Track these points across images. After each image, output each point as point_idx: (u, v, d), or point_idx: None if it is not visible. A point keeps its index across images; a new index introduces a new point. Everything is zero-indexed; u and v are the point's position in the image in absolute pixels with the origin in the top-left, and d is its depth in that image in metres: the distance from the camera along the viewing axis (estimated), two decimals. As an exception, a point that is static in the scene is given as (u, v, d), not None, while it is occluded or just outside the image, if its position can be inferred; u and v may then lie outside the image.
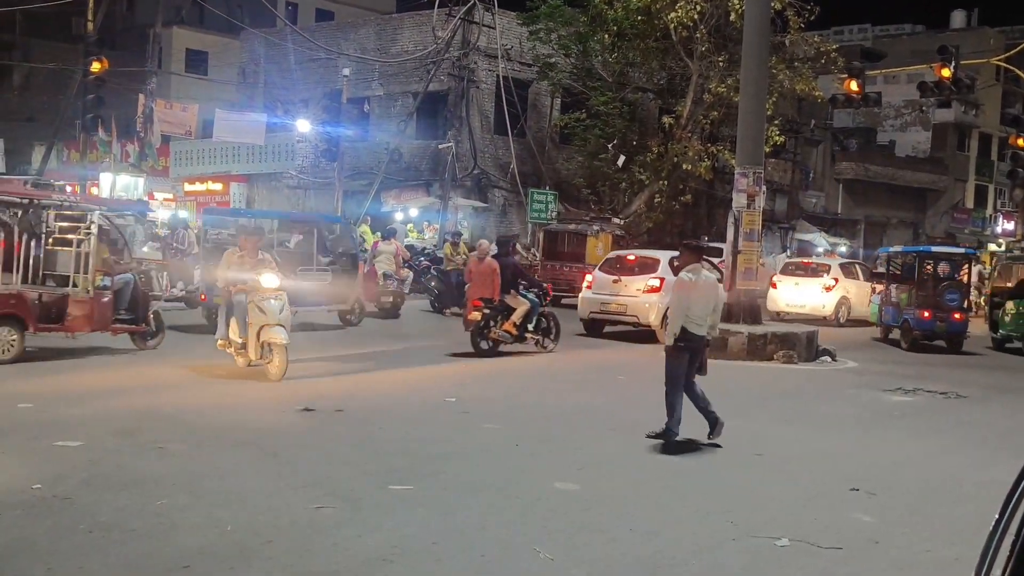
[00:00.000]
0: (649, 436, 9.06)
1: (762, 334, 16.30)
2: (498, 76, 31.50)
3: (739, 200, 17.01)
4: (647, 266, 18.76)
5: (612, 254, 21.05)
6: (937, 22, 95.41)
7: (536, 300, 15.42)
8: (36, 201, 12.88)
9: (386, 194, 32.37)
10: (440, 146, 31.49)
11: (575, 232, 27.30)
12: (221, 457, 7.73)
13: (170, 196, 36.77)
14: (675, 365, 9.10)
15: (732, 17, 26.65)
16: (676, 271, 9.93)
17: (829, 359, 16.58)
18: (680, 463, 8.31)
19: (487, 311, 14.80)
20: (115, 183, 29.37)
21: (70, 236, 12.94)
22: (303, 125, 31.82)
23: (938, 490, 7.92)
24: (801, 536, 6.22)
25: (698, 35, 28.55)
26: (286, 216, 24.16)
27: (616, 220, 29.49)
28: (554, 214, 30.31)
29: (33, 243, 12.82)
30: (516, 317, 14.98)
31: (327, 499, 6.57)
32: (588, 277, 19.84)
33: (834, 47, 30.74)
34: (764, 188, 17.56)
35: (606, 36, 30.11)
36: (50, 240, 13.11)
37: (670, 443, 8.89)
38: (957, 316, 18.96)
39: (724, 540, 6.16)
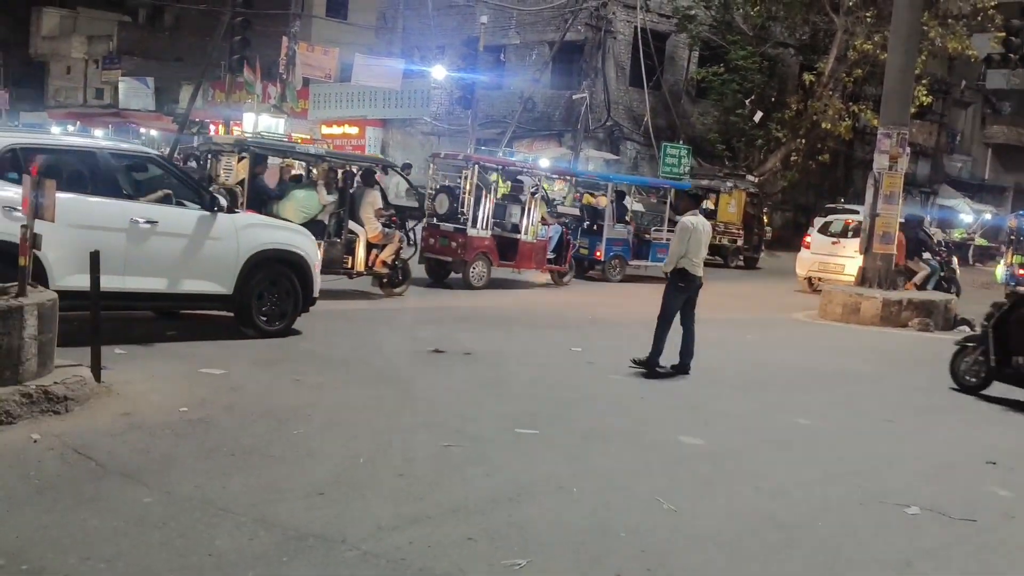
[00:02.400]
0: (632, 363, 9.83)
1: (897, 300, 15.84)
2: (636, 27, 31.07)
3: (880, 161, 16.45)
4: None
5: (831, 217, 22.10)
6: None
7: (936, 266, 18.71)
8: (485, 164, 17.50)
9: (518, 143, 32.44)
10: (574, 96, 31.32)
11: (707, 188, 26.93)
12: (355, 392, 7.99)
13: (307, 138, 37.65)
14: (672, 303, 9.90)
15: (883, -30, 25.64)
16: (681, 213, 10.72)
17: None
18: (809, 426, 8.20)
19: None
20: (257, 123, 30.21)
21: (514, 194, 18.32)
22: (439, 72, 32.05)
23: (1081, 469, 7.63)
24: (932, 505, 6.09)
25: (846, -12, 27.58)
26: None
27: (750, 177, 28.96)
28: (687, 169, 29.89)
29: (484, 198, 16.87)
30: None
31: (455, 437, 6.74)
32: (807, 238, 21.63)
33: (992, 3, 29.24)
34: (907, 150, 16.94)
35: (748, -12, 29.37)
36: (499, 196, 17.90)
37: (653, 372, 9.70)
38: None
39: (852, 504, 6.08)
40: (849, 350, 13.16)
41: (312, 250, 10.51)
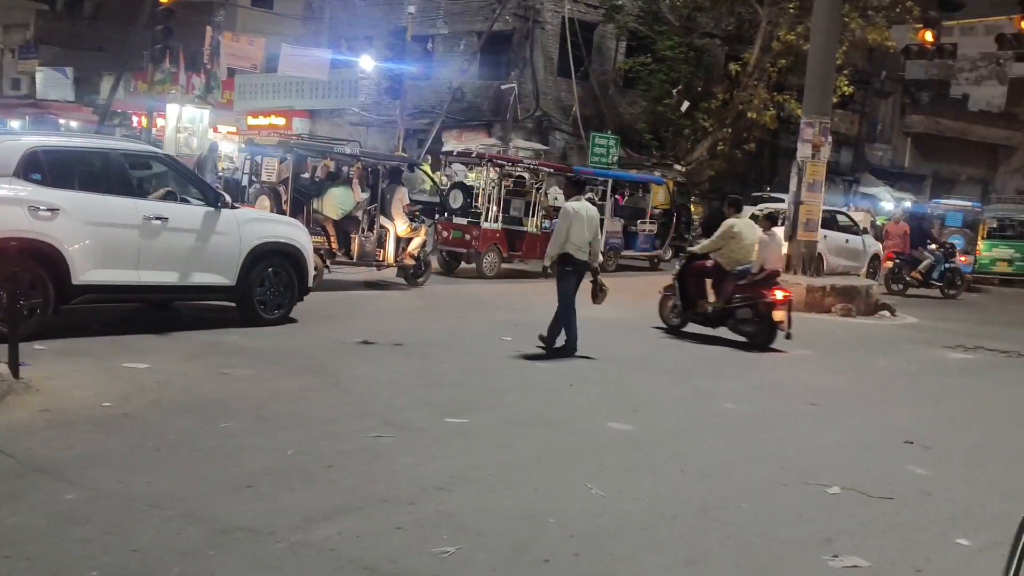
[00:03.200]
0: (541, 345, 10.23)
1: (821, 286, 16.18)
2: (563, 17, 31.15)
3: (804, 150, 16.76)
4: None
5: (762, 205, 22.10)
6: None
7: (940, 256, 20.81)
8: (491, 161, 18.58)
9: (447, 133, 32.34)
10: (503, 87, 31.31)
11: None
12: (284, 384, 7.93)
13: (233, 130, 37.06)
14: (566, 287, 10.26)
15: (805, -38, 26.03)
16: (567, 199, 10.97)
17: (888, 314, 16.42)
18: (735, 411, 8.34)
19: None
20: (181, 115, 29.68)
21: (519, 189, 19.69)
22: (367, 62, 31.75)
23: (994, 447, 7.89)
24: (852, 484, 6.25)
25: (769, -20, 27.97)
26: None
27: (678, 167, 29.26)
28: (615, 159, 30.08)
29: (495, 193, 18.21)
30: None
31: (386, 428, 6.73)
32: None
33: (911, -6, 29.86)
34: (830, 139, 17.28)
35: (675, -21, 29.63)
36: (505, 191, 18.67)
37: (573, 351, 10.15)
38: None
39: (775, 484, 6.21)
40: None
41: (307, 243, 11.13)
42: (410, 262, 15.21)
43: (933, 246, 21.13)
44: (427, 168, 27.13)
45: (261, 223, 10.79)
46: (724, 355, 11.39)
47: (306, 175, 15.49)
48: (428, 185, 24.16)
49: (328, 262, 14.12)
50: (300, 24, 40.31)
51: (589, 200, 11.54)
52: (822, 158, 16.79)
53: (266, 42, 30.74)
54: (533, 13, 31.38)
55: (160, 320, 10.41)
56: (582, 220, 10.21)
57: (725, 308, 12.01)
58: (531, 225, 18.95)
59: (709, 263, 12.35)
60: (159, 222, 9.46)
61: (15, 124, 38.26)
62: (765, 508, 5.74)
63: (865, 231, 24.30)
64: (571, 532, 5.06)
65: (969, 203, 28.12)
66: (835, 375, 10.64)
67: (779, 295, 11.76)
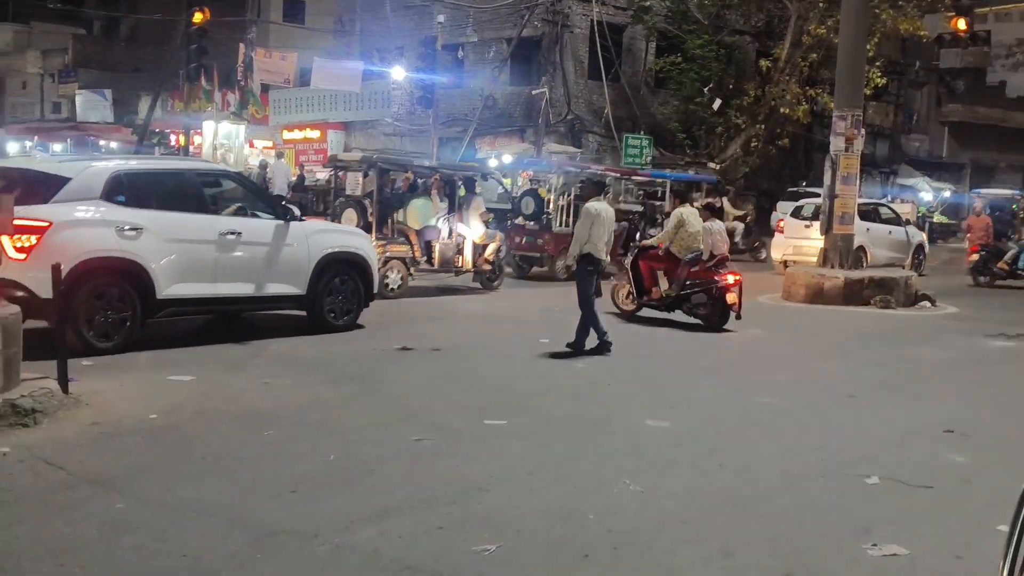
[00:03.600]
0: (588, 352, 10.24)
1: (859, 279, 16.09)
2: (592, 20, 31.18)
3: (837, 144, 16.71)
4: None
5: (801, 202, 22.97)
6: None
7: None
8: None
9: (480, 141, 32.49)
10: (534, 92, 31.39)
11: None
12: (323, 391, 8.07)
13: (269, 144, 37.48)
14: (586, 287, 10.41)
15: (833, -46, 25.89)
16: (585, 200, 11.23)
17: (929, 304, 16.30)
18: (773, 404, 8.36)
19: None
20: (217, 131, 30.07)
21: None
22: (398, 72, 31.99)
23: (1036, 434, 7.83)
24: (891, 474, 6.25)
25: (798, -26, 27.86)
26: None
27: (712, 165, 29.16)
28: (649, 159, 30.05)
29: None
30: None
31: (425, 431, 6.83)
32: (781, 223, 22.73)
33: (942, -18, 29.58)
34: (863, 131, 17.19)
35: (702, -23, 29.60)
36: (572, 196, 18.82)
37: (608, 348, 10.27)
38: None
39: (814, 477, 6.23)
40: (812, 329, 13.38)
41: (371, 251, 11.72)
42: (486, 267, 16.03)
43: (1016, 236, 21.69)
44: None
45: (327, 234, 11.34)
46: (758, 349, 11.39)
47: (386, 188, 16.40)
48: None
49: (412, 269, 14.90)
50: (331, 37, 40.68)
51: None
52: (855, 151, 16.72)
53: (298, 56, 31.09)
54: (562, 18, 31.45)
55: (197, 333, 10.60)
56: (602, 221, 10.40)
57: (680, 294, 12.67)
58: None
59: (661, 252, 13.11)
60: (233, 237, 9.97)
61: (57, 147, 38.94)
62: (803, 500, 5.77)
63: (908, 222, 24.30)
64: (609, 527, 5.12)
65: (1011, 191, 27.93)
66: (874, 367, 10.60)
67: (730, 279, 12.42)
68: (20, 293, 8.31)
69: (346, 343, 10.47)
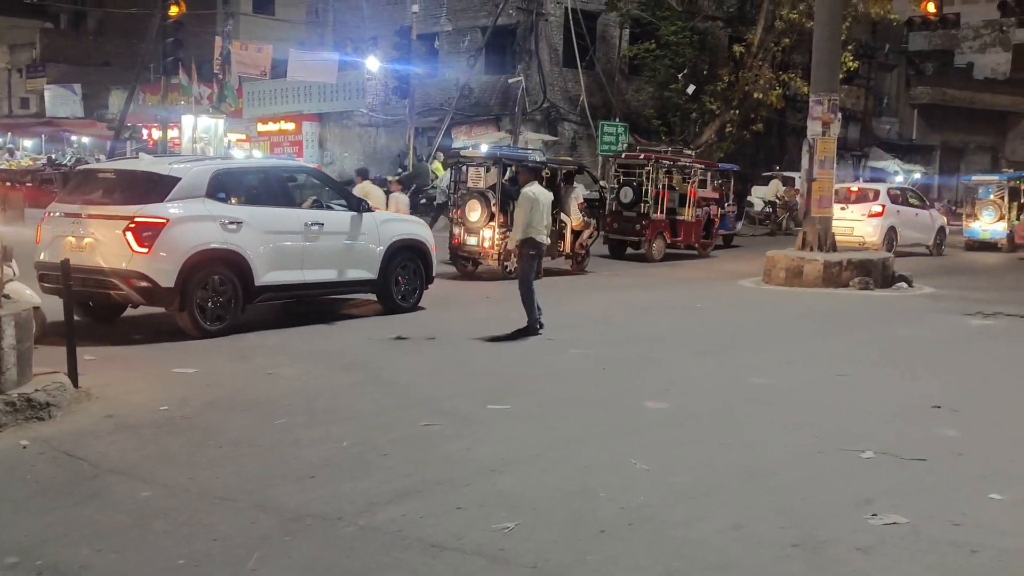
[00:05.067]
0: (512, 336, 10.43)
1: (837, 261, 16.34)
2: (566, 8, 31.34)
3: (814, 128, 16.93)
4: (868, 195, 23.32)
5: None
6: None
7: None
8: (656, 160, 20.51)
9: (457, 130, 32.59)
10: (509, 80, 31.52)
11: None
12: (329, 380, 8.21)
13: (243, 137, 37.41)
14: (527, 269, 10.77)
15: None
16: (522, 185, 11.41)
17: (905, 285, 16.59)
18: (763, 385, 8.57)
19: None
20: (196, 125, 30.00)
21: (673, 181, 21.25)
22: (373, 63, 32.04)
23: (1020, 406, 8.09)
24: (885, 449, 6.47)
25: (770, -41, 28.11)
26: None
27: (687, 151, 29.37)
28: (625, 146, 30.27)
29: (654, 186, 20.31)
30: None
31: (433, 416, 7.00)
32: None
33: (912, -33, 29.96)
34: (839, 115, 17.44)
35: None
36: (664, 184, 20.55)
37: (535, 332, 10.55)
38: None
39: (812, 452, 6.44)
40: (795, 311, 13.63)
41: (430, 238, 12.67)
42: (580, 251, 17.62)
43: None
44: (439, 165, 27.39)
45: (394, 223, 12.38)
46: (746, 332, 11.61)
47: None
48: (443, 183, 24.37)
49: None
50: (304, 29, 40.60)
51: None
52: (832, 135, 16.95)
53: (272, 48, 31.06)
54: (536, 6, 31.57)
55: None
56: (540, 205, 10.77)
57: None
58: (688, 214, 21.19)
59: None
60: (317, 227, 10.99)
61: (28, 143, 38.64)
62: (805, 474, 5.98)
63: (931, 206, 26.69)
64: (622, 504, 5.31)
65: (997, 176, 28.53)
66: (861, 346, 10.85)
67: None
68: (144, 284, 9.41)
69: (346, 333, 10.59)
